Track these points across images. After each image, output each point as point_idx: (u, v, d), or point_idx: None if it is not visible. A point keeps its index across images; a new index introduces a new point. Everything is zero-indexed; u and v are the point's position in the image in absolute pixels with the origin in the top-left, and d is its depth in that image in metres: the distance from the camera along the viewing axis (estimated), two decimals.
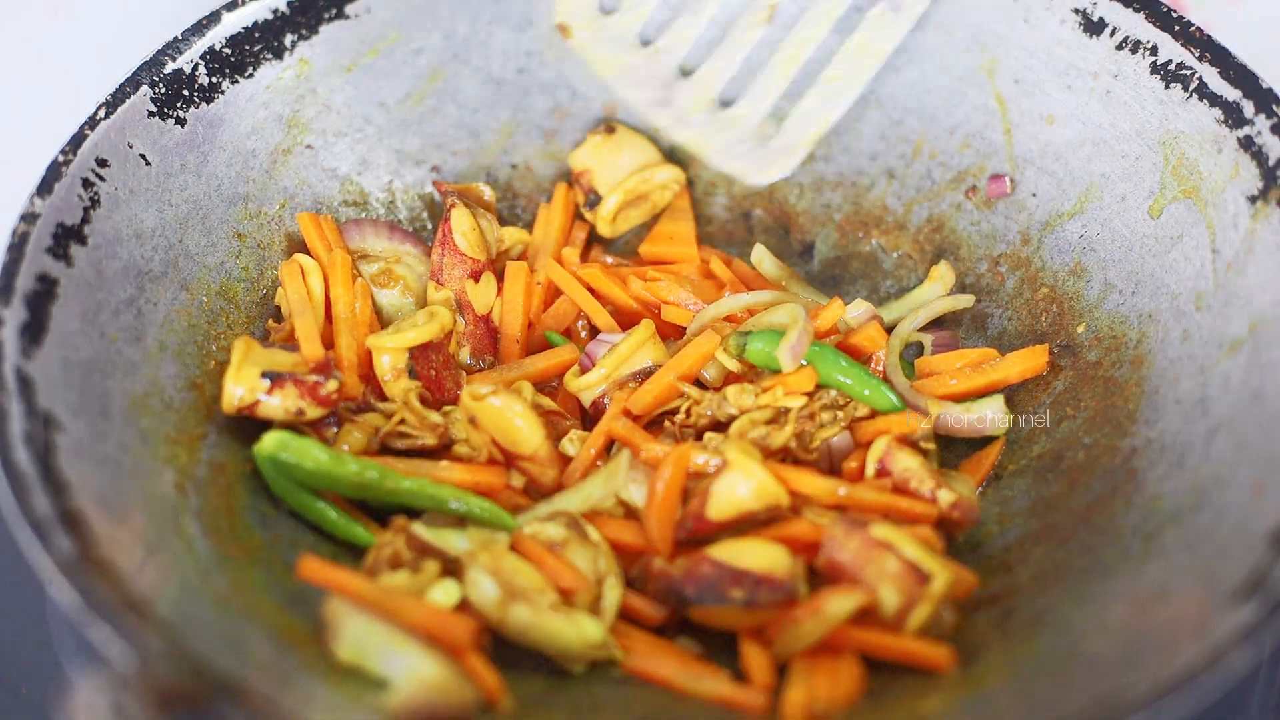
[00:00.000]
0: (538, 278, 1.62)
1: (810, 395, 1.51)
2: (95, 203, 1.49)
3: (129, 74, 1.55)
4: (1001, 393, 1.58)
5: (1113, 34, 1.59)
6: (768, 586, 1.40)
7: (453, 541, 1.43)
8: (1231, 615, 1.28)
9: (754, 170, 1.70)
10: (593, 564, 1.43)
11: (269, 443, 1.46)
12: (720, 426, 1.52)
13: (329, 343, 1.55)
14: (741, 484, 1.44)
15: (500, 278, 1.62)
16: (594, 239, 1.70)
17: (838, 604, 1.38)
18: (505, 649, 1.41)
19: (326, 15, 1.63)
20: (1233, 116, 1.52)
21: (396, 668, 1.32)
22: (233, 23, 1.59)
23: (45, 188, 1.46)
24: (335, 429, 1.51)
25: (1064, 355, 1.59)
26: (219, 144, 1.59)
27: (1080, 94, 1.61)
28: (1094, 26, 1.59)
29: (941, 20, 1.66)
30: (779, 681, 1.39)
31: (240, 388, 1.48)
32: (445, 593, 1.40)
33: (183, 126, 1.57)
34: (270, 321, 1.59)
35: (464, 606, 1.40)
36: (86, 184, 1.49)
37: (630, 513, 1.49)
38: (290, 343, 1.54)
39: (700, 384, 1.56)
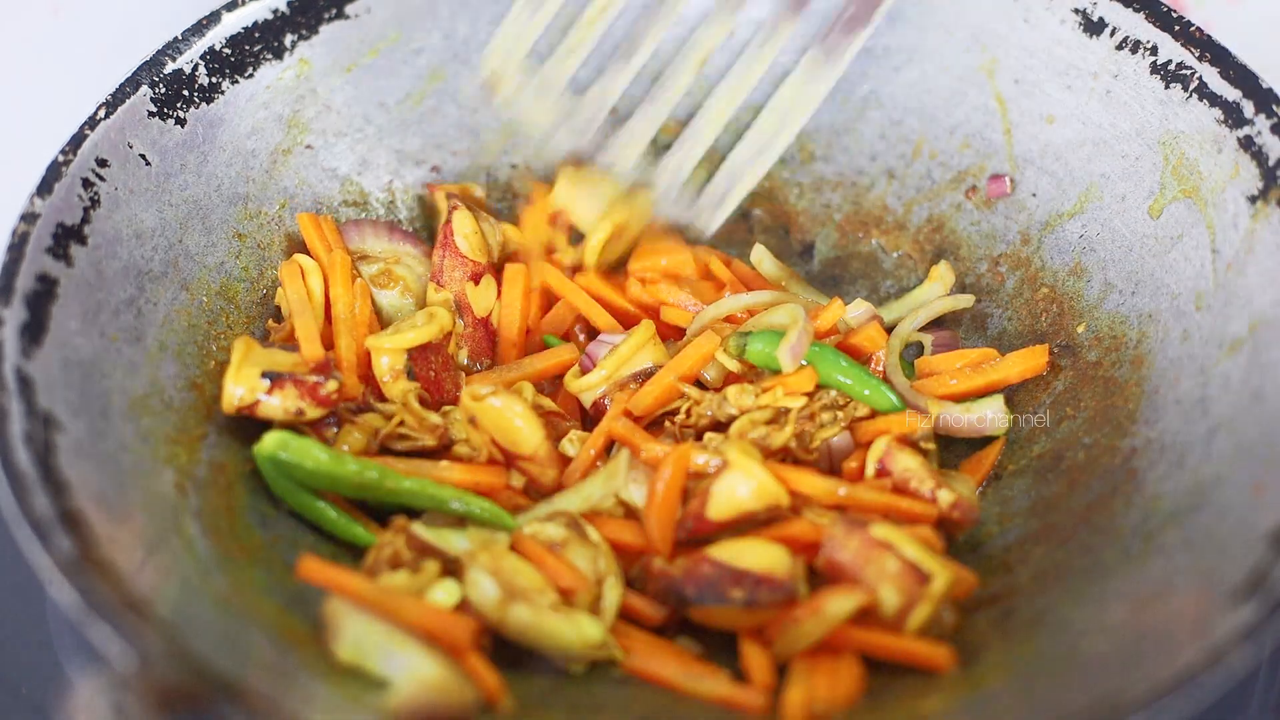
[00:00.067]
0: (532, 282, 1.62)
1: (810, 395, 1.51)
2: (95, 203, 1.49)
3: (129, 74, 1.55)
4: (1001, 393, 1.58)
5: (1113, 34, 1.59)
6: (768, 586, 1.40)
7: (453, 541, 1.44)
8: (1231, 615, 1.28)
9: (693, 218, 1.67)
10: (593, 564, 1.43)
11: (269, 443, 1.46)
12: (720, 427, 1.52)
13: (329, 343, 1.55)
14: (742, 484, 1.44)
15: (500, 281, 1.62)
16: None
17: (838, 604, 1.38)
18: (505, 649, 1.41)
19: (326, 15, 1.63)
20: (1233, 116, 1.52)
21: (396, 668, 1.32)
22: (233, 23, 1.59)
23: (45, 188, 1.46)
24: (335, 429, 1.51)
25: (1064, 355, 1.59)
26: (219, 144, 1.59)
27: (1080, 94, 1.61)
28: (1094, 26, 1.59)
29: (941, 20, 1.66)
30: (779, 681, 1.39)
31: (240, 388, 1.48)
32: (445, 593, 1.40)
33: (183, 126, 1.57)
34: (270, 321, 1.59)
35: (464, 606, 1.40)
36: (86, 184, 1.49)
37: (630, 513, 1.49)
38: (290, 343, 1.54)
39: (700, 384, 1.56)
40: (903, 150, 1.69)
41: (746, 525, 1.45)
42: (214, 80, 1.58)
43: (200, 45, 1.58)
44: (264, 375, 1.48)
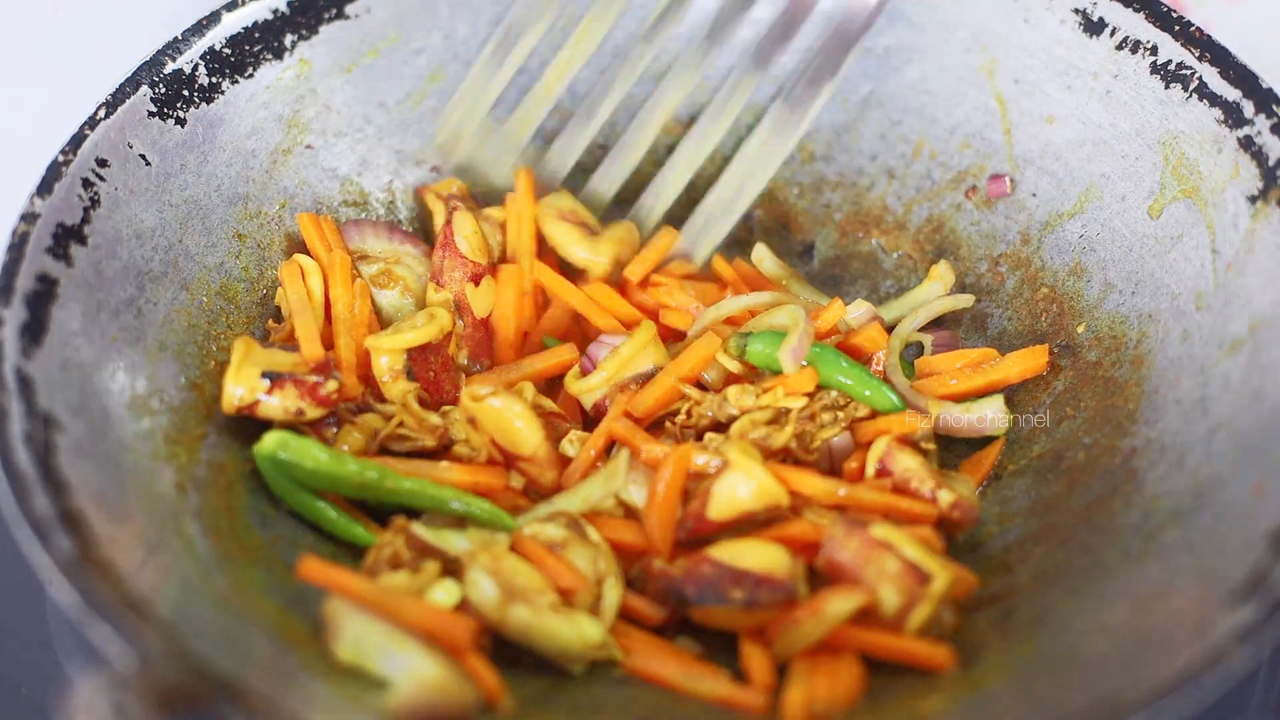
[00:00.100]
0: (524, 283, 1.61)
1: (811, 396, 1.51)
2: (95, 203, 1.49)
3: (129, 74, 1.55)
4: (1001, 393, 1.58)
5: (1113, 34, 1.59)
6: (768, 586, 1.40)
7: (453, 542, 1.43)
8: (1231, 615, 1.28)
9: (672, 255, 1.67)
10: (593, 564, 1.43)
11: (268, 442, 1.46)
12: (721, 427, 1.51)
13: (329, 343, 1.55)
14: (742, 484, 1.44)
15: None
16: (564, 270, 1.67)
17: (838, 605, 1.38)
18: (505, 649, 1.41)
19: (326, 15, 1.63)
20: (1233, 116, 1.52)
21: (396, 668, 1.32)
22: (233, 23, 1.59)
23: (45, 188, 1.46)
24: (335, 429, 1.51)
25: (1064, 355, 1.59)
26: (219, 144, 1.59)
27: (1080, 94, 1.61)
28: (1094, 26, 1.59)
29: (941, 20, 1.66)
30: (779, 681, 1.39)
31: (240, 388, 1.48)
32: (445, 593, 1.40)
33: (183, 126, 1.57)
34: (270, 322, 1.59)
35: (464, 606, 1.40)
36: (86, 184, 1.49)
37: (630, 513, 1.49)
38: (290, 343, 1.54)
39: (701, 385, 1.56)
40: (903, 150, 1.69)
41: (747, 526, 1.45)
42: (214, 80, 1.58)
43: (200, 45, 1.58)
44: (264, 375, 1.48)
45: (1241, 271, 1.48)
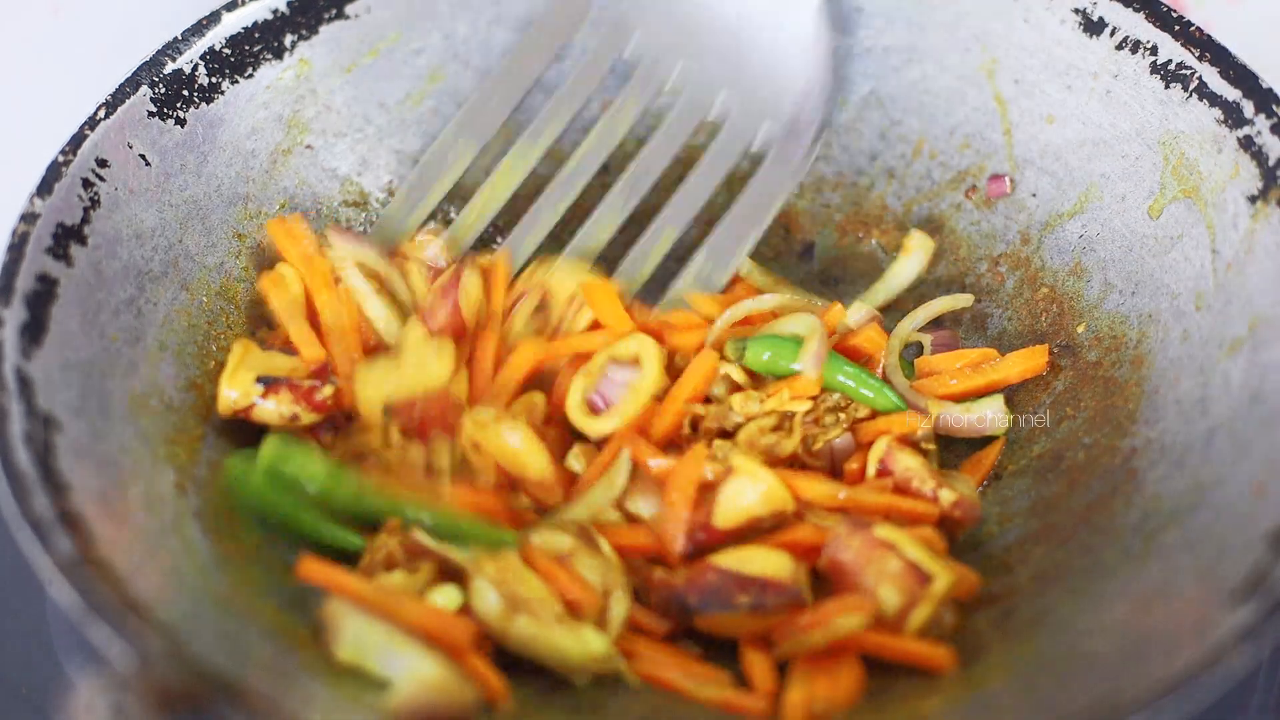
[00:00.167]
0: (517, 362, 1.55)
1: (814, 399, 1.51)
2: (95, 203, 1.49)
3: (129, 74, 1.55)
4: (1001, 393, 1.58)
5: (1113, 34, 1.59)
6: (774, 591, 1.40)
7: (455, 549, 1.42)
8: (1231, 615, 1.28)
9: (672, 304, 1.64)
10: (601, 576, 1.42)
11: (267, 454, 1.45)
12: (726, 435, 1.51)
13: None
14: (749, 489, 1.44)
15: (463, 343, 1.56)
16: None
17: (846, 621, 1.38)
18: (506, 650, 1.41)
19: (326, 15, 1.63)
20: (1233, 116, 1.52)
21: (396, 668, 1.32)
22: (233, 23, 1.59)
23: (45, 188, 1.46)
24: (332, 434, 1.51)
25: (1064, 355, 1.59)
26: (219, 144, 1.59)
27: (1080, 94, 1.61)
28: (1094, 26, 1.59)
29: (941, 20, 1.66)
30: (780, 684, 1.39)
31: (234, 391, 1.48)
32: (446, 598, 1.39)
33: (183, 127, 1.57)
34: (263, 330, 1.58)
35: (465, 612, 1.40)
36: (86, 184, 1.49)
37: (632, 519, 1.48)
38: (289, 347, 1.53)
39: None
40: (903, 150, 1.69)
41: (751, 533, 1.45)
42: (214, 80, 1.58)
43: (200, 45, 1.58)
44: (259, 380, 1.48)
45: (1241, 271, 1.48)
